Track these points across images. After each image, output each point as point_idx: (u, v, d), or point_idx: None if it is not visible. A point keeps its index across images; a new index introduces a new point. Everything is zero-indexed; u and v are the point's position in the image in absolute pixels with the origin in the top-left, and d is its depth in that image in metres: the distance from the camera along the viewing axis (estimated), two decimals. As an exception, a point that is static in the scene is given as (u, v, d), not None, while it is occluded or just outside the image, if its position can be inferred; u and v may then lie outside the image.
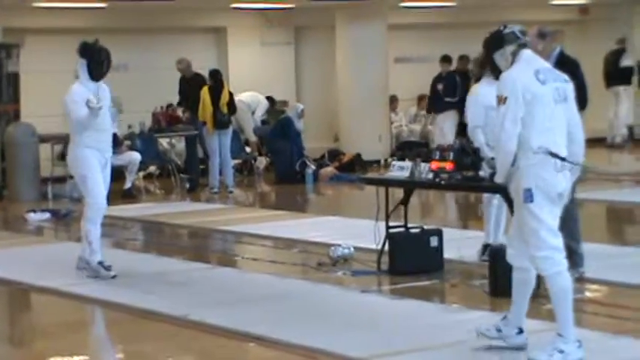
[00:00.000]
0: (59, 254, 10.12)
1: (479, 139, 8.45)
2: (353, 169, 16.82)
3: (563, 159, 5.84)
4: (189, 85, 15.64)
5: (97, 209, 8.67)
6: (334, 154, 17.65)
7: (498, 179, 6.09)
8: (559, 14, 21.00)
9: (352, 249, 9.22)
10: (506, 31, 6.07)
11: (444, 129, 16.49)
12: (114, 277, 8.54)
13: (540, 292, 7.47)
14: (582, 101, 8.00)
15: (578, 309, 7.36)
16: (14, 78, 15.28)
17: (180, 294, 8.07)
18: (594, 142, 16.19)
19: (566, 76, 6.10)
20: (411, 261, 8.53)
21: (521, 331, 6.17)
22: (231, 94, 15.42)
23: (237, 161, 17.14)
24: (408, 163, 8.55)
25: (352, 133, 17.93)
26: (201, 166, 16.13)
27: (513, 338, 6.15)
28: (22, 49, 15.70)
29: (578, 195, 8.17)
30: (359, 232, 9.75)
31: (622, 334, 6.51)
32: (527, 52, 6.04)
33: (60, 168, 15.46)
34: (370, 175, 15.11)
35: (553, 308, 5.94)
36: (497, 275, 7.61)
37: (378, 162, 17.86)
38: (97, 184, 8.66)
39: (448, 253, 8.74)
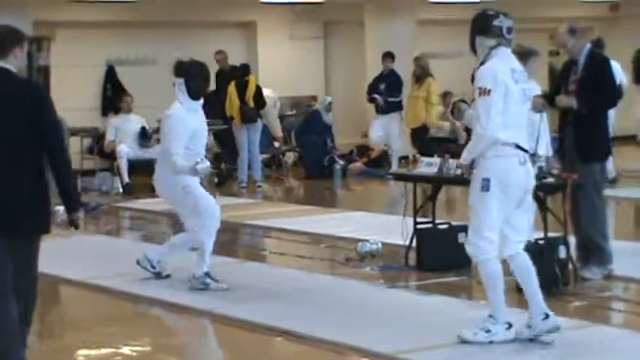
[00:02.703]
0: (88, 247, 10.18)
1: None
2: (381, 164, 16.78)
3: (526, 151, 6.15)
4: (226, 78, 15.59)
5: (213, 217, 8.03)
6: (363, 150, 17.62)
7: (465, 160, 6.27)
8: (589, 11, 20.86)
9: (380, 244, 9.22)
10: (495, 23, 6.21)
11: (390, 132, 16.04)
12: (226, 288, 8.00)
13: (568, 290, 7.46)
14: (613, 98, 7.98)
15: (606, 306, 7.36)
16: (45, 71, 15.35)
17: (228, 290, 8.02)
18: (624, 140, 16.09)
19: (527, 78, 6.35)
20: (439, 257, 8.52)
21: (547, 316, 6.25)
22: (259, 88, 15.41)
23: (265, 156, 17.16)
24: (436, 159, 8.53)
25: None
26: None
27: (541, 325, 6.24)
28: (53, 42, 15.81)
29: (606, 192, 8.15)
30: (387, 227, 9.75)
31: (651, 333, 6.47)
32: (505, 50, 6.22)
33: (89, 161, 15.57)
34: (398, 170, 15.08)
35: (485, 292, 6.28)
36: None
37: (406, 158, 17.84)
38: (204, 192, 8.13)
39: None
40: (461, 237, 8.57)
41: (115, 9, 17.19)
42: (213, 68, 15.59)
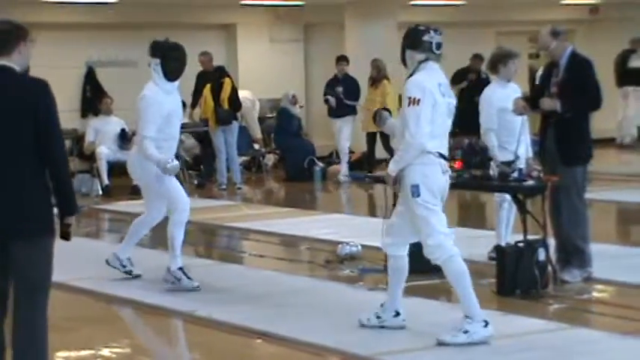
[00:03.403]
0: (67, 249, 10.11)
1: (491, 141, 8.43)
2: (362, 167, 16.80)
3: (447, 160, 6.45)
4: (209, 79, 15.53)
5: (183, 210, 7.99)
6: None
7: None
8: (569, 14, 20.97)
9: (360, 247, 9.22)
10: (425, 38, 6.43)
11: (340, 135, 15.90)
12: (197, 287, 7.98)
13: (547, 292, 7.48)
14: (596, 101, 8.00)
15: (585, 309, 7.39)
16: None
17: (198, 290, 8.02)
18: (603, 143, 16.17)
19: (452, 93, 6.57)
20: (419, 259, 8.49)
21: (397, 313, 6.66)
22: (234, 90, 15.37)
23: (245, 158, 17.14)
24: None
25: (361, 131, 17.93)
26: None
27: (391, 321, 6.64)
28: (33, 43, 15.73)
29: (587, 195, 8.18)
30: (367, 229, 9.75)
31: (630, 335, 6.49)
32: (433, 65, 6.44)
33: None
34: (378, 173, 15.09)
35: (456, 292, 6.40)
36: (504, 275, 7.60)
37: (386, 160, 17.84)
38: (176, 185, 8.09)
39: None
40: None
41: (96, 11, 17.13)
42: (195, 69, 15.66)
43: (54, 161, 4.94)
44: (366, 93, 16.06)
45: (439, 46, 6.45)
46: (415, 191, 6.33)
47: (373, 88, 15.87)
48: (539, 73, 8.50)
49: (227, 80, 15.32)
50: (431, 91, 6.29)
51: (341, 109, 16.00)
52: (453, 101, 6.52)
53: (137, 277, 8.45)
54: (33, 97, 4.93)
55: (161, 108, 7.89)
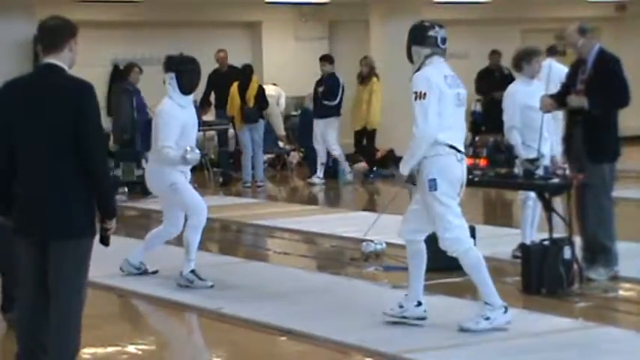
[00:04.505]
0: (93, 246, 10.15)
1: (515, 139, 8.40)
2: (386, 164, 16.78)
3: (460, 151, 6.46)
4: (222, 78, 15.62)
5: (200, 214, 8.06)
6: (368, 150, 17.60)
7: (405, 170, 6.50)
8: (595, 11, 20.84)
9: (384, 244, 9.21)
10: (431, 33, 6.56)
11: (326, 137, 15.53)
12: (211, 287, 8.02)
13: (573, 291, 7.45)
14: (623, 98, 7.95)
15: (611, 307, 7.35)
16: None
17: (213, 287, 8.07)
18: (631, 140, 16.05)
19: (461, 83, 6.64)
20: (444, 257, 8.47)
21: (419, 303, 6.68)
22: (261, 89, 15.41)
23: (270, 156, 17.15)
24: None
25: (386, 128, 17.89)
26: (231, 160, 16.23)
27: (413, 310, 6.67)
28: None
29: (614, 193, 8.13)
30: (391, 227, 9.72)
31: (656, 334, 6.45)
32: (438, 59, 6.55)
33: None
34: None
35: (474, 282, 6.55)
36: (530, 273, 7.58)
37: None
38: (191, 192, 8.14)
39: (481, 250, 8.67)
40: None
41: (122, 9, 17.20)
42: (211, 67, 15.70)
43: (93, 163, 4.88)
44: (354, 91, 16.01)
45: (444, 40, 6.57)
46: (432, 185, 6.40)
47: (363, 86, 15.76)
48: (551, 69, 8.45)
49: (254, 79, 15.36)
50: (437, 84, 6.39)
51: (321, 110, 15.62)
52: (463, 91, 6.59)
53: (154, 272, 8.51)
54: (77, 98, 4.88)
55: (177, 122, 7.98)
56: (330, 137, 15.60)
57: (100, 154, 4.94)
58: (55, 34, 4.99)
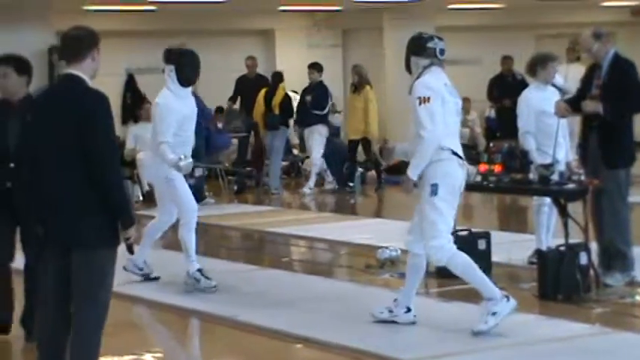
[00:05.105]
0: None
1: (529, 144, 8.39)
2: (401, 171, 16.73)
3: (461, 157, 6.58)
4: (249, 85, 15.66)
5: (190, 214, 8.13)
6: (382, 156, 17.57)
7: (415, 175, 6.58)
8: (610, 16, 20.78)
9: (399, 251, 9.19)
10: (430, 44, 6.68)
11: (311, 145, 15.40)
12: (215, 287, 8.10)
13: (590, 297, 7.42)
14: (638, 103, 7.92)
15: (628, 313, 7.31)
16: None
17: (228, 295, 8.08)
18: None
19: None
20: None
21: (409, 309, 6.79)
22: (287, 97, 15.46)
23: (284, 163, 17.17)
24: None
25: (401, 135, 17.89)
26: (248, 168, 16.26)
27: (402, 316, 6.78)
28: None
29: (630, 198, 8.10)
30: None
31: (673, 339, 6.42)
32: (437, 68, 6.67)
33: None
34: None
35: (470, 283, 6.63)
36: (546, 279, 7.55)
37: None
38: (185, 187, 8.21)
39: (496, 256, 8.68)
40: (481, 243, 8.56)
41: (135, 18, 17.26)
42: (236, 74, 15.76)
43: (103, 174, 4.86)
44: (346, 100, 15.97)
45: (443, 52, 6.72)
46: (434, 190, 6.48)
47: (356, 94, 15.69)
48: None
49: (281, 86, 15.41)
50: (439, 89, 6.53)
51: (307, 118, 15.45)
52: (459, 101, 6.75)
53: (156, 279, 8.56)
54: (87, 110, 4.88)
55: (175, 114, 8.05)
56: (313, 145, 15.39)
57: (110, 165, 4.92)
58: (79, 43, 5.04)
